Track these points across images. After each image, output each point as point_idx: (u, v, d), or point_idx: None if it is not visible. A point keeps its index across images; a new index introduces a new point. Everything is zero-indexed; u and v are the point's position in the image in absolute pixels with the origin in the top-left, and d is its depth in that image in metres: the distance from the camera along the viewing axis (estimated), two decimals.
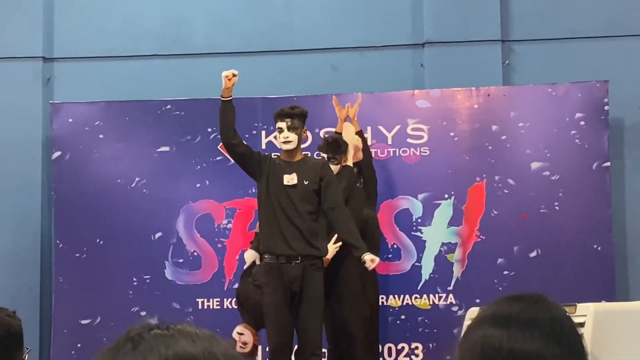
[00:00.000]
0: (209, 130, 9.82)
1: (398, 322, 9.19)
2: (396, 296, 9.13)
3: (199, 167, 9.56)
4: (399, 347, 9.27)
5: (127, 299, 9.38)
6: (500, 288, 9.13)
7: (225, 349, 1.10)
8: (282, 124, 8.04)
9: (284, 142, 7.94)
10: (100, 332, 9.33)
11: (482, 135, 9.64)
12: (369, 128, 9.71)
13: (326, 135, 8.95)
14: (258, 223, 8.31)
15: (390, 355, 9.27)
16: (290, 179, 7.79)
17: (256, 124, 9.83)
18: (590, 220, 9.19)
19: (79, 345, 9.14)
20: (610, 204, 9.21)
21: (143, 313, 9.18)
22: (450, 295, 9.07)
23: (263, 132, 9.81)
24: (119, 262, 9.35)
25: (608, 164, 9.45)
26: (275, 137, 9.49)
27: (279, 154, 8.30)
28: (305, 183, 7.78)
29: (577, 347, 1.77)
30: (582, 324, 4.10)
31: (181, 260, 9.51)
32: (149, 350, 1.06)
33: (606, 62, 9.85)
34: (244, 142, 8.05)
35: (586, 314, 4.22)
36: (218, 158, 9.43)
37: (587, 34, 10.03)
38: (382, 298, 9.09)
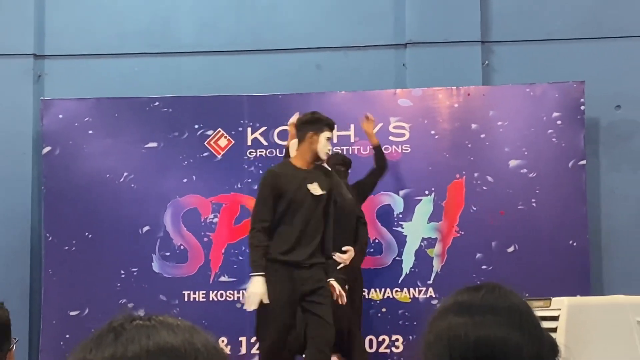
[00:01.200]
0: (196, 127, 9.82)
1: (379, 314, 9.21)
2: (377, 290, 9.15)
3: (185, 162, 9.55)
4: (380, 339, 9.29)
5: (114, 291, 9.37)
6: (478, 282, 9.12)
7: (206, 340, 1.10)
8: (330, 134, 7.81)
9: (327, 152, 7.86)
10: (89, 324, 9.31)
11: (462, 134, 9.66)
12: (352, 126, 9.73)
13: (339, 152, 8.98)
14: None
15: (371, 347, 9.29)
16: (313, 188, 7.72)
17: (242, 121, 9.82)
18: (566, 216, 9.22)
19: (67, 336, 9.13)
20: (586, 201, 9.24)
21: (130, 305, 9.16)
22: (430, 289, 9.10)
23: (249, 129, 9.80)
24: (107, 255, 9.33)
25: (584, 162, 9.49)
26: (261, 135, 9.55)
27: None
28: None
29: (537, 332, 1.77)
30: (556, 318, 4.12)
31: (168, 254, 9.50)
32: (131, 340, 1.06)
33: (582, 63, 9.88)
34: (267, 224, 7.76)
35: (560, 308, 4.23)
36: (205, 154, 9.43)
37: (564, 36, 10.06)
38: (364, 291, 9.10)
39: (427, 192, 9.47)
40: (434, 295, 9.10)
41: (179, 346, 1.06)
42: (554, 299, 4.33)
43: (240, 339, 9.47)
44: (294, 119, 8.15)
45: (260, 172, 9.67)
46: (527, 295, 8.63)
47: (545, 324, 3.88)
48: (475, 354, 1.70)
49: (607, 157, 9.27)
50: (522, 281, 8.76)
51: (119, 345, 1.06)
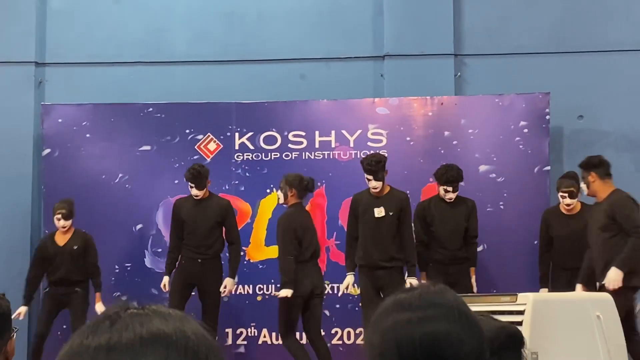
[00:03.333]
0: (187, 131, 9.82)
1: (357, 308, 9.17)
2: (356, 285, 9.13)
3: (177, 165, 9.52)
4: (357, 331, 9.29)
5: (109, 284, 9.32)
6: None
7: (196, 328, 1.10)
8: (373, 179, 8.44)
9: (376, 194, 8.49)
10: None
11: (435, 140, 9.68)
12: (332, 132, 9.74)
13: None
14: None
15: (349, 338, 9.30)
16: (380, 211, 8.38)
17: (230, 127, 9.83)
18: (531, 218, 9.21)
19: (64, 326, 9.09)
20: (549, 204, 9.25)
21: (124, 298, 9.13)
22: (415, 284, 9.03)
23: (237, 134, 9.81)
24: (102, 251, 9.25)
25: (548, 168, 9.53)
26: (248, 140, 9.58)
27: None
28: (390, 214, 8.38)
29: (475, 327, 1.76)
30: (522, 312, 4.13)
31: (160, 250, 9.47)
32: (125, 327, 1.06)
33: (548, 76, 9.91)
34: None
35: (526, 303, 4.25)
36: (195, 157, 9.41)
37: (531, 50, 10.09)
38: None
39: (406, 192, 9.47)
40: None
41: (171, 333, 1.06)
42: (520, 295, 4.35)
43: (226, 330, 9.47)
44: None
45: (247, 174, 9.69)
46: (494, 291, 8.72)
47: (512, 318, 3.92)
48: (422, 349, 1.69)
49: (570, 163, 9.28)
50: (491, 278, 8.84)
51: (114, 331, 1.05)
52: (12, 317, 8.96)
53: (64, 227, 8.87)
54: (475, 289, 8.50)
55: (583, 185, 7.98)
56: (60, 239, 8.88)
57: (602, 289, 7.36)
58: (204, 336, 1.09)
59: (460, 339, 1.70)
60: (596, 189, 7.73)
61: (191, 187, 8.72)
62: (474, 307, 4.11)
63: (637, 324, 7.62)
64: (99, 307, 8.44)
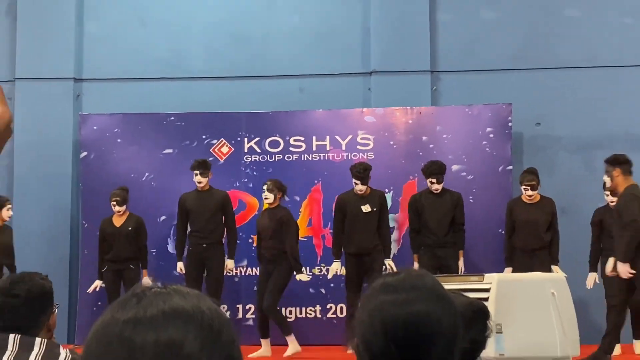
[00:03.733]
0: (203, 137, 9.82)
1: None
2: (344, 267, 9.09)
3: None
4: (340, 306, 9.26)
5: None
6: None
7: (210, 304, 1.09)
8: (360, 183, 8.49)
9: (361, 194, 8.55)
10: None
11: (415, 144, 9.68)
12: (327, 137, 9.74)
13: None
14: None
15: (342, 312, 9.28)
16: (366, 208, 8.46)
17: (240, 133, 9.83)
18: (496, 210, 9.22)
19: (99, 303, 9.08)
20: (511, 197, 9.24)
21: (150, 278, 9.12)
22: (392, 266, 8.99)
23: (246, 139, 9.82)
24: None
25: (510, 167, 9.54)
26: (255, 144, 9.57)
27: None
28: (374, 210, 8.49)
29: (451, 306, 1.75)
30: (488, 290, 4.14)
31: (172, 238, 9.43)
32: (150, 304, 1.06)
33: (510, 89, 9.91)
34: None
35: (491, 282, 4.25)
36: (210, 159, 9.38)
37: (496, 67, 10.09)
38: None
39: (387, 190, 9.46)
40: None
41: (189, 309, 1.06)
42: (487, 275, 4.36)
43: (237, 305, 9.48)
44: None
45: (255, 173, 9.69)
46: (465, 271, 8.69)
47: (479, 295, 3.93)
48: (405, 327, 1.69)
49: (529, 164, 9.28)
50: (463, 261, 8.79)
51: (140, 307, 1.05)
52: (90, 290, 9.05)
53: (119, 212, 8.88)
54: (462, 270, 8.50)
55: (607, 179, 7.59)
56: (117, 221, 8.91)
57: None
58: (217, 311, 1.09)
59: (438, 318, 1.69)
60: (618, 182, 7.38)
61: (196, 174, 8.63)
62: (448, 286, 4.12)
63: None
64: (145, 281, 8.45)
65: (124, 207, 8.89)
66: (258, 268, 9.39)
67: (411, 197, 8.91)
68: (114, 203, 8.85)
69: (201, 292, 1.13)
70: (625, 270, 7.03)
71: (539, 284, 4.20)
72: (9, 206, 8.96)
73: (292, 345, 8.23)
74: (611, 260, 7.40)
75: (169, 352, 1.01)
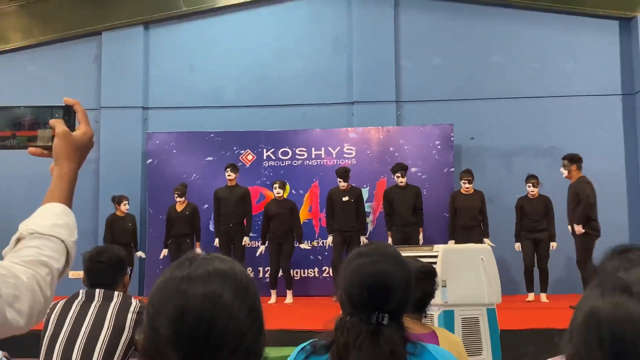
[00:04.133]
0: (234, 148, 9.85)
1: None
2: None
3: (228, 169, 9.50)
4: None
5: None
6: None
7: (240, 267, 1.10)
8: (342, 181, 8.50)
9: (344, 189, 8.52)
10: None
11: (384, 153, 9.70)
12: (322, 148, 9.77)
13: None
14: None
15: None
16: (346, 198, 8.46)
17: (261, 145, 9.86)
18: (442, 199, 9.15)
19: (161, 266, 9.07)
20: (452, 190, 9.27)
21: (200, 249, 9.11)
22: (365, 239, 8.99)
23: (264, 150, 9.83)
24: None
25: (452, 169, 9.56)
26: (272, 153, 9.54)
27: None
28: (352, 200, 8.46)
29: (406, 267, 1.76)
30: (436, 256, 4.13)
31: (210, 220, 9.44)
32: (198, 265, 1.06)
33: (453, 114, 9.94)
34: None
35: (438, 251, 4.25)
36: (239, 164, 9.38)
37: (443, 98, 10.11)
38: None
39: (365, 185, 9.49)
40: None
41: (226, 269, 1.06)
42: (435, 246, 4.34)
43: (259, 268, 9.47)
44: None
45: (271, 174, 9.70)
46: (423, 243, 8.65)
47: (430, 260, 3.95)
48: (373, 281, 1.70)
49: (465, 166, 9.30)
50: (418, 238, 8.78)
51: (192, 268, 1.06)
52: (161, 256, 8.93)
53: (180, 201, 8.82)
54: (421, 242, 8.47)
55: (564, 170, 7.55)
56: (179, 207, 8.84)
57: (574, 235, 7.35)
58: (244, 272, 1.10)
59: (396, 275, 1.70)
60: (573, 174, 7.45)
61: (227, 171, 8.65)
62: (409, 253, 4.13)
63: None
64: (198, 251, 8.42)
65: (183, 198, 8.86)
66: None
67: (384, 191, 8.89)
68: (177, 195, 8.83)
69: (232, 258, 1.14)
70: (578, 229, 7.19)
71: (472, 252, 4.19)
72: (126, 202, 8.98)
73: (289, 297, 8.46)
74: (575, 226, 7.28)
75: (211, 300, 1.02)
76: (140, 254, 9.05)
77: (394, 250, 1.80)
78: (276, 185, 8.60)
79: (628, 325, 0.73)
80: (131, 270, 8.53)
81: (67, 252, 1.19)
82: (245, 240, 8.65)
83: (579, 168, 7.47)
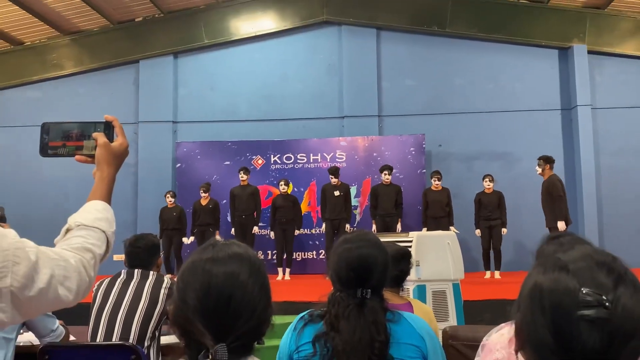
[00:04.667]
0: (247, 154, 9.81)
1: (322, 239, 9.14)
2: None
3: (241, 171, 9.47)
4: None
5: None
6: None
7: (252, 251, 1.11)
8: (333, 177, 8.34)
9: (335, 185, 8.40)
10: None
11: (369, 157, 9.69)
12: (319, 154, 9.74)
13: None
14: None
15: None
16: (337, 192, 8.34)
17: (268, 152, 9.82)
18: (416, 195, 9.20)
19: (188, 250, 9.03)
20: (424, 187, 9.28)
21: (219, 237, 9.09)
22: (354, 228, 9.01)
23: (272, 155, 9.79)
24: None
25: (424, 171, 9.55)
26: (277, 158, 9.50)
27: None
28: (342, 194, 8.35)
29: (384, 250, 1.76)
30: (411, 242, 4.12)
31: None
32: (220, 249, 1.07)
33: (425, 125, 9.93)
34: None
35: (413, 237, 4.24)
36: (251, 167, 9.38)
37: (416, 112, 10.11)
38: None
39: (353, 184, 9.47)
40: (352, 229, 9.07)
41: (242, 253, 1.08)
42: (410, 233, 4.33)
43: (267, 251, 9.42)
44: None
45: (277, 175, 9.67)
46: (401, 230, 8.62)
47: (406, 244, 3.94)
48: (357, 262, 1.69)
49: (435, 168, 9.30)
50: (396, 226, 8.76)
51: (214, 251, 1.07)
52: (188, 242, 8.77)
53: (204, 197, 8.72)
54: (399, 230, 8.42)
55: (539, 169, 7.26)
56: (203, 202, 8.71)
57: (551, 230, 6.98)
58: (256, 256, 1.12)
59: (376, 257, 1.71)
60: (546, 173, 7.16)
61: (241, 174, 8.61)
62: (388, 239, 4.11)
63: None
64: (218, 238, 8.33)
65: (207, 194, 8.80)
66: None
67: (372, 187, 8.79)
68: (202, 191, 8.76)
69: (246, 245, 1.14)
70: (562, 226, 6.91)
71: (440, 237, 4.17)
72: (168, 196, 8.86)
73: (287, 274, 8.47)
74: (560, 223, 6.97)
75: (231, 278, 1.03)
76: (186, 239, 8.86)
77: (374, 237, 1.80)
78: (282, 183, 8.65)
79: (564, 296, 0.74)
80: (164, 254, 8.48)
81: (108, 241, 1.19)
82: (255, 229, 8.63)
83: (551, 168, 7.27)
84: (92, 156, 1.28)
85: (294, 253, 9.01)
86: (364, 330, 1.60)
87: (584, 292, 0.74)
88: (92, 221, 1.18)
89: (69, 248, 1.12)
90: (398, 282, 2.71)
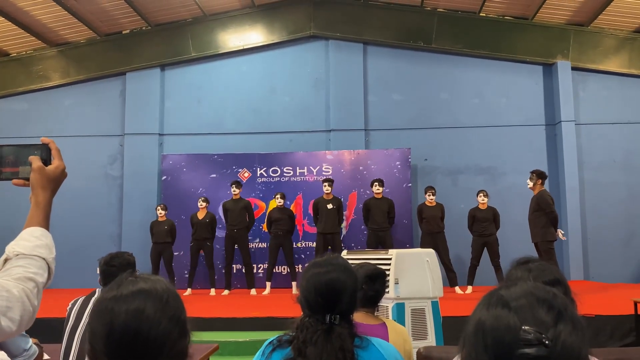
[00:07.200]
0: (233, 167, 9.78)
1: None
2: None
3: (228, 183, 9.46)
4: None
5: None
6: (363, 239, 9.15)
7: (163, 284, 1.06)
8: (327, 186, 8.36)
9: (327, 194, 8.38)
10: (185, 258, 9.15)
11: (355, 171, 9.70)
12: (305, 167, 9.73)
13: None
14: None
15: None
16: (330, 206, 8.27)
17: (255, 165, 9.80)
18: (403, 209, 9.25)
19: (173, 263, 8.98)
20: (410, 201, 9.31)
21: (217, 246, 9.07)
22: (343, 244, 8.98)
23: (258, 168, 9.77)
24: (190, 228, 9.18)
25: (410, 184, 9.57)
26: (264, 171, 9.48)
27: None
28: (335, 207, 8.28)
29: (353, 274, 1.75)
30: (390, 259, 4.07)
31: (220, 227, 9.32)
32: (124, 287, 1.04)
33: (410, 139, 9.98)
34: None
35: (392, 255, 4.20)
36: (237, 179, 9.35)
37: (402, 127, 10.16)
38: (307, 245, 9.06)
39: (341, 198, 9.47)
40: (343, 247, 9.09)
41: (147, 288, 1.03)
42: (390, 250, 4.28)
43: (253, 265, 9.39)
44: None
45: (263, 188, 9.66)
46: (381, 247, 8.66)
47: (386, 262, 3.92)
48: (326, 287, 1.69)
49: (420, 183, 9.36)
50: (381, 243, 8.76)
51: (118, 290, 1.03)
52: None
53: (202, 206, 8.65)
54: (392, 244, 8.40)
55: (530, 182, 7.19)
56: (200, 215, 8.65)
57: (537, 245, 7.01)
58: (166, 288, 1.05)
59: (344, 281, 1.70)
60: (537, 187, 7.18)
61: (233, 188, 8.56)
62: (366, 256, 4.09)
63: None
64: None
65: (205, 207, 8.68)
66: (265, 243, 9.40)
67: (364, 202, 8.70)
68: (199, 205, 8.67)
69: (159, 276, 1.08)
70: (560, 234, 6.93)
71: (419, 255, 4.15)
72: (159, 209, 8.75)
73: (294, 288, 8.38)
74: (558, 232, 7.03)
75: (135, 315, 1.00)
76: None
77: (343, 261, 1.80)
78: (278, 196, 8.58)
79: (506, 334, 0.74)
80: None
81: (49, 268, 1.17)
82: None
83: (542, 183, 7.28)
84: (29, 180, 1.27)
85: (280, 266, 8.95)
86: (331, 356, 1.60)
87: (524, 329, 0.75)
88: (32, 249, 1.15)
89: (10, 279, 1.10)
90: (373, 302, 2.70)
